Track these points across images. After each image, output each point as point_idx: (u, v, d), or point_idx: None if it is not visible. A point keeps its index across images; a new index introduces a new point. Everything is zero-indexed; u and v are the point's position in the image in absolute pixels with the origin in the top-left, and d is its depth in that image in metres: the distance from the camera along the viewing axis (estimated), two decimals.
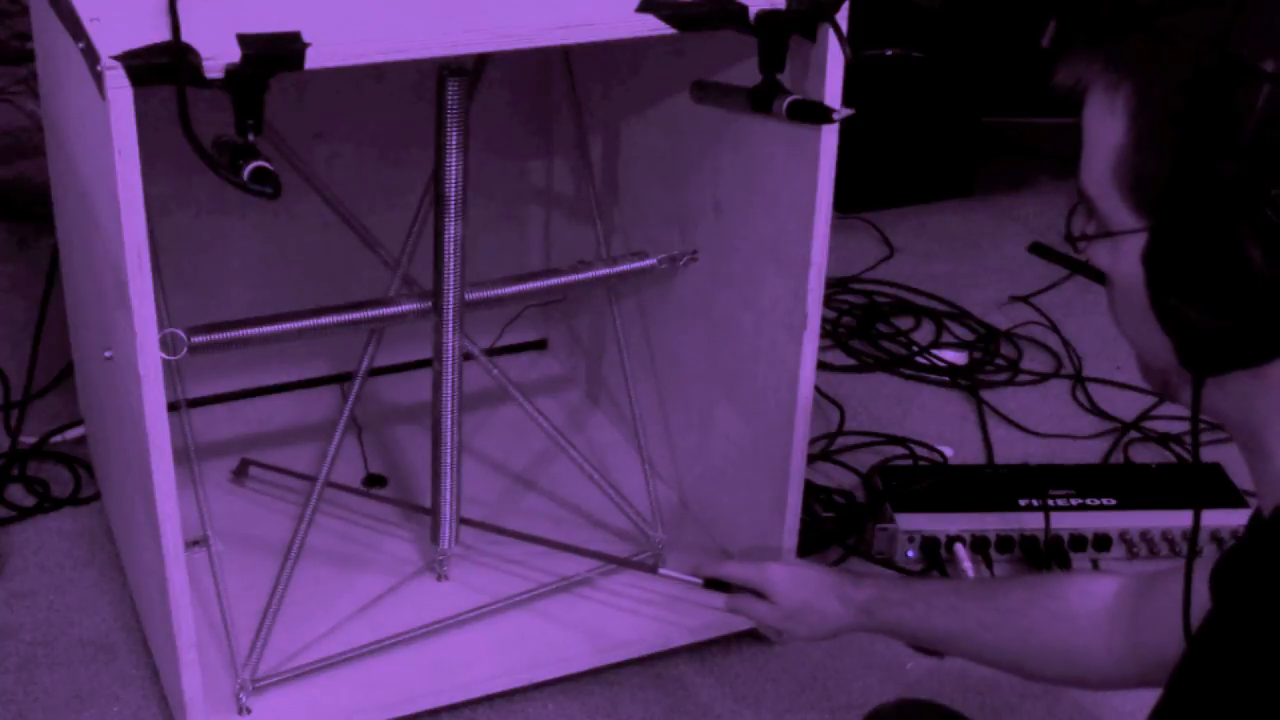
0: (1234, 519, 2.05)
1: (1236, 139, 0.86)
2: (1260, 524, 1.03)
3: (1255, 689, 0.86)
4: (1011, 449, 2.34)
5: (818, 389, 2.04)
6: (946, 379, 2.50)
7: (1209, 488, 2.12)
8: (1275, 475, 0.96)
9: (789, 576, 1.62)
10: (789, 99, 1.60)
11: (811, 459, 2.18)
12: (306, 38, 1.38)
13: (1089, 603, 1.37)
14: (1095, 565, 2.06)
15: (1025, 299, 2.74)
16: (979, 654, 1.47)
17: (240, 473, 2.10)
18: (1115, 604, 1.35)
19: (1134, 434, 2.36)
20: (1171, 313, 0.93)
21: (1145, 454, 2.32)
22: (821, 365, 2.20)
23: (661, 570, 1.82)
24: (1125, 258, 0.95)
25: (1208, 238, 0.89)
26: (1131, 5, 0.93)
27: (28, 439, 2.20)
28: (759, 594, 1.65)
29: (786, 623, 1.63)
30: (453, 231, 1.74)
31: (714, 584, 1.72)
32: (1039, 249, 2.94)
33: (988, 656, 1.46)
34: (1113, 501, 2.09)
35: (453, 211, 1.73)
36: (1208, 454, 2.29)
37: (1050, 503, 2.08)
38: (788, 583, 1.62)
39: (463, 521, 1.88)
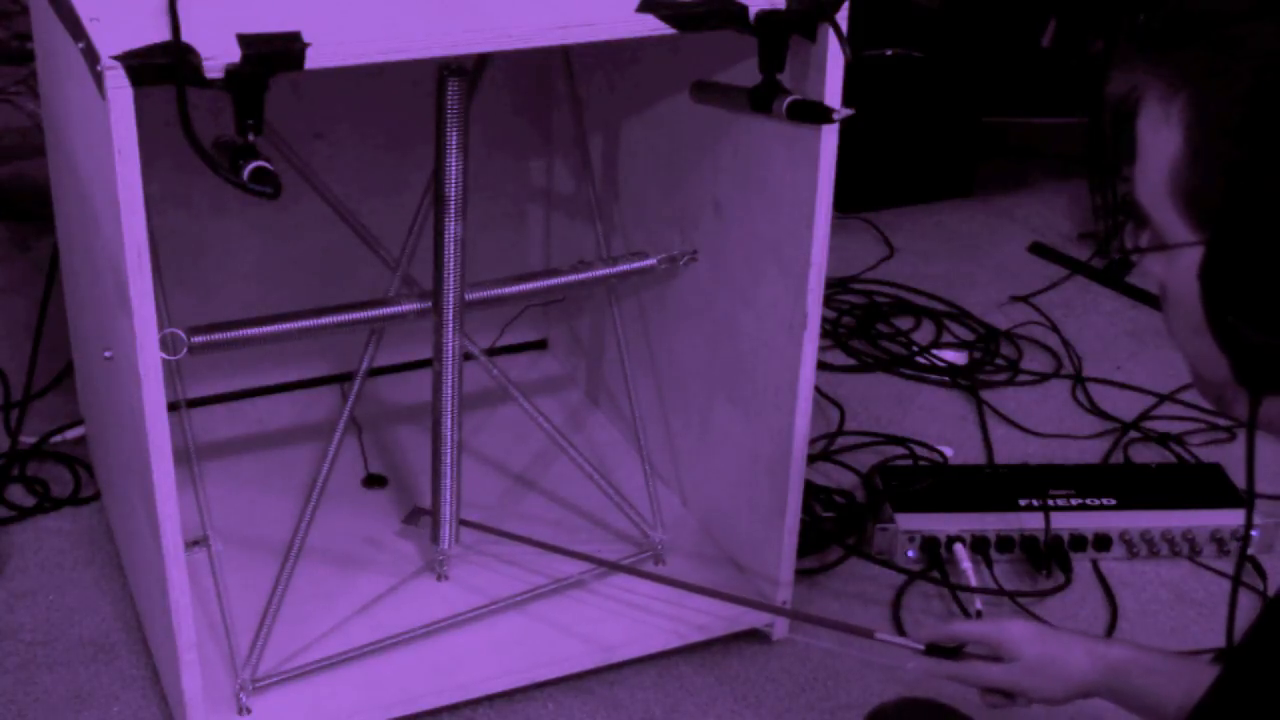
0: (1235, 519, 2.05)
1: None
2: None
3: None
4: (1011, 449, 2.34)
5: (818, 389, 2.04)
6: (946, 379, 2.50)
7: (1209, 488, 2.12)
8: None
9: (1031, 629, 1.50)
10: (789, 99, 1.60)
11: (811, 459, 2.18)
12: (306, 38, 1.38)
13: None
14: (1095, 565, 2.06)
15: (1025, 299, 2.74)
16: None
17: (411, 521, 1.99)
18: None
19: (1134, 434, 2.36)
20: (1228, 330, 0.91)
21: (1145, 454, 2.32)
22: (821, 365, 2.20)
23: (879, 635, 1.61)
24: (1181, 272, 0.93)
25: (1266, 254, 0.87)
26: (1190, 14, 0.91)
27: (28, 439, 2.19)
28: (992, 658, 1.49)
29: (1026, 680, 1.46)
30: (453, 231, 1.75)
31: (936, 650, 1.53)
32: (1039, 249, 2.94)
33: None
34: (1113, 501, 2.09)
35: (453, 211, 1.73)
36: (1207, 454, 2.30)
37: (1050, 503, 2.08)
38: (1031, 637, 1.47)
39: (463, 523, 1.88)
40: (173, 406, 1.50)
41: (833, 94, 1.60)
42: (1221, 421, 2.35)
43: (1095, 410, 2.43)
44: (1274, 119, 0.84)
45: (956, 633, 1.53)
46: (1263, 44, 0.86)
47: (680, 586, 1.83)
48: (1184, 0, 0.90)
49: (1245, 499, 1.04)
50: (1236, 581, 1.01)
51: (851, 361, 2.55)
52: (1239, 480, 2.10)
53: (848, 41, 1.57)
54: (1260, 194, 0.86)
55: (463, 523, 1.88)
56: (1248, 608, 0.97)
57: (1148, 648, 1.60)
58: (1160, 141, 0.91)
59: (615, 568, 1.89)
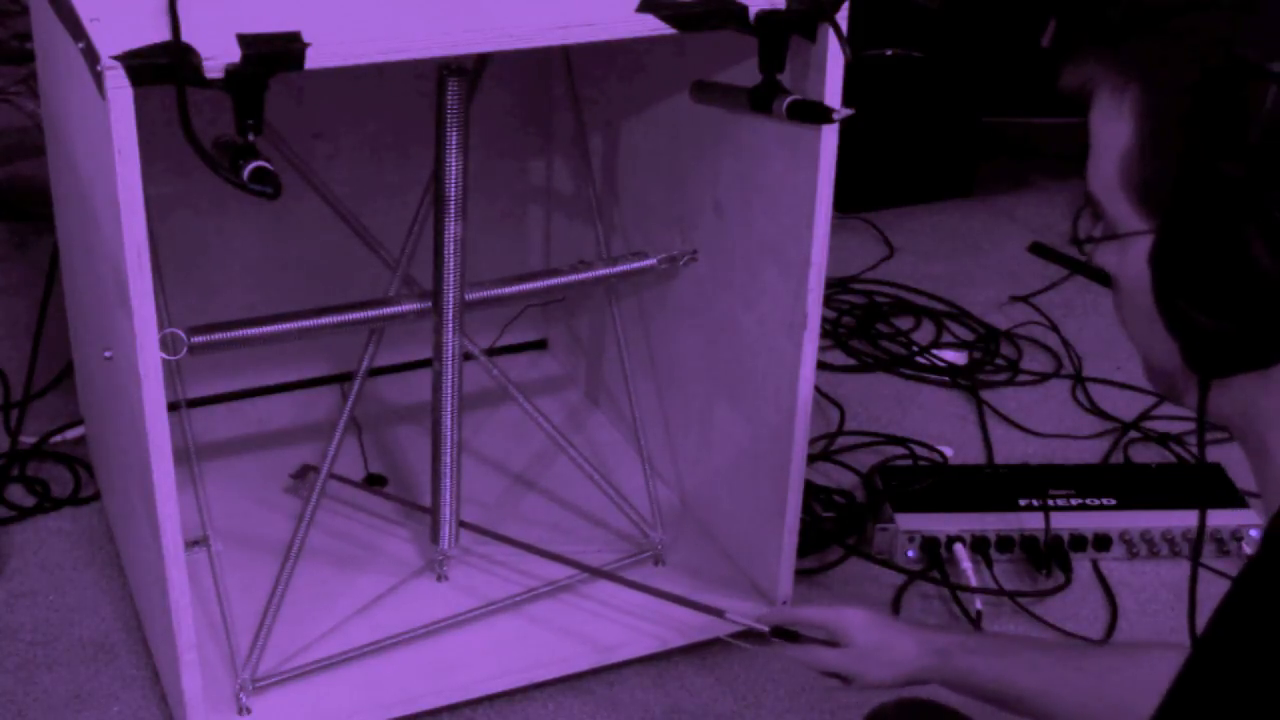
0: (1235, 519, 2.05)
1: (1243, 140, 0.86)
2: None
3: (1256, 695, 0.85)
4: (1011, 449, 2.34)
5: (818, 389, 2.04)
6: (946, 379, 2.50)
7: (1210, 488, 2.12)
8: (1278, 478, 0.95)
9: (866, 618, 1.56)
10: (789, 99, 1.60)
11: (811, 459, 2.18)
12: (306, 38, 1.38)
13: (1169, 669, 1.33)
14: (1095, 565, 2.06)
15: (1025, 299, 2.74)
16: (1051, 713, 1.41)
17: (300, 477, 2.08)
18: None
19: (1134, 434, 2.36)
20: (1178, 315, 0.93)
21: (1145, 454, 2.32)
22: (821, 365, 2.20)
23: (729, 615, 1.74)
24: (1132, 260, 0.95)
25: (1214, 240, 0.88)
26: (1139, 8, 0.95)
27: (28, 439, 2.19)
28: (830, 642, 1.57)
29: (859, 664, 1.54)
30: (453, 231, 1.74)
31: (781, 633, 1.63)
32: (1039, 249, 2.94)
33: (1061, 717, 1.41)
34: (1113, 501, 2.09)
35: (453, 211, 1.73)
36: (1207, 454, 2.30)
37: (1050, 503, 2.08)
38: (865, 623, 1.55)
39: (462, 524, 1.88)
40: (173, 406, 1.50)
41: (833, 94, 1.60)
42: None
43: (1095, 410, 2.43)
44: (1220, 106, 0.86)
45: (797, 616, 1.61)
46: (1208, 34, 0.88)
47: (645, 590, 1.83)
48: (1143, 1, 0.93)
49: (1243, 499, 1.05)
50: (1195, 568, 1.04)
51: (851, 361, 2.55)
52: (1239, 480, 2.10)
53: (848, 41, 1.57)
54: (1207, 180, 0.87)
55: (462, 524, 1.88)
56: None
57: (978, 632, 1.63)
58: (1112, 133, 0.94)
59: (596, 573, 1.87)
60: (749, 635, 1.68)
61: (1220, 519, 2.06)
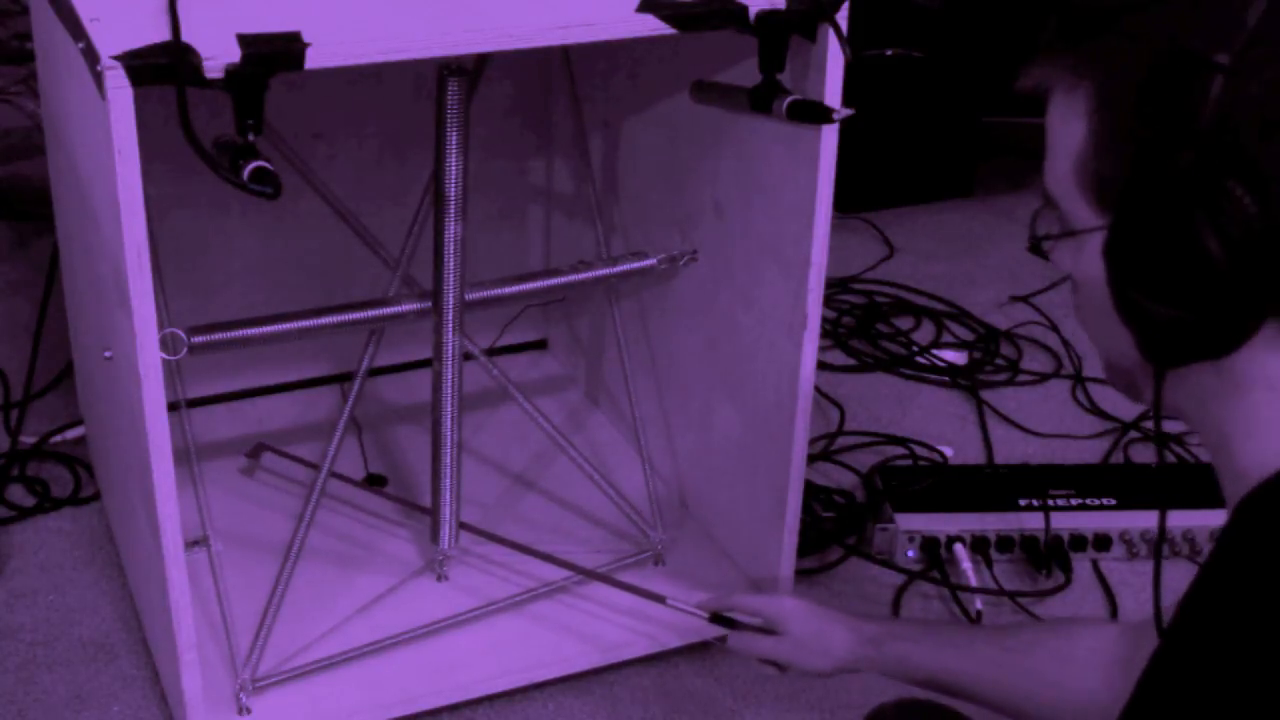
0: (1222, 519, 2.05)
1: (1190, 130, 0.87)
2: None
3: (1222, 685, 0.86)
4: (1011, 449, 2.34)
5: (818, 389, 2.04)
6: (946, 379, 2.50)
7: (1209, 488, 2.12)
8: (1238, 471, 0.96)
9: (802, 608, 1.60)
10: (789, 99, 1.60)
11: (811, 459, 2.18)
12: (306, 38, 1.38)
13: (1094, 644, 1.37)
14: (1095, 565, 2.06)
15: (1025, 299, 2.74)
16: (983, 694, 1.45)
17: (253, 455, 2.11)
18: (1118, 646, 1.35)
19: (1134, 434, 2.36)
20: (1132, 306, 0.94)
21: (1145, 454, 2.32)
22: (821, 365, 2.20)
23: (670, 601, 1.77)
24: (1089, 257, 0.96)
25: (1165, 229, 0.89)
26: (1091, 10, 0.95)
27: (28, 439, 2.19)
28: (767, 630, 1.61)
29: (794, 654, 1.59)
30: (453, 231, 1.74)
31: (720, 619, 1.67)
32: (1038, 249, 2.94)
33: (992, 697, 1.44)
34: (1113, 501, 2.09)
35: (453, 211, 1.73)
36: (1207, 454, 2.30)
37: (1050, 503, 2.08)
38: (801, 613, 1.59)
39: (462, 526, 1.88)
40: (173, 406, 1.50)
41: (833, 94, 1.60)
42: None
43: (1095, 410, 2.43)
44: (1168, 101, 0.88)
45: (736, 604, 1.65)
46: (1155, 28, 0.90)
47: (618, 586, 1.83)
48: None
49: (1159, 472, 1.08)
50: (1158, 571, 1.06)
51: (851, 361, 2.55)
52: None
53: (848, 41, 1.57)
54: (1157, 172, 0.89)
55: (462, 525, 1.88)
56: None
57: (910, 619, 1.67)
58: (1067, 131, 0.95)
59: (623, 587, 1.87)
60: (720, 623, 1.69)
61: (1220, 519, 2.05)
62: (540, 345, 2.46)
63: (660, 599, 1.79)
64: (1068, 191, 0.97)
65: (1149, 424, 2.37)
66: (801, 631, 1.57)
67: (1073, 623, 1.46)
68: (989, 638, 1.49)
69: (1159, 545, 1.08)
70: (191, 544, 1.63)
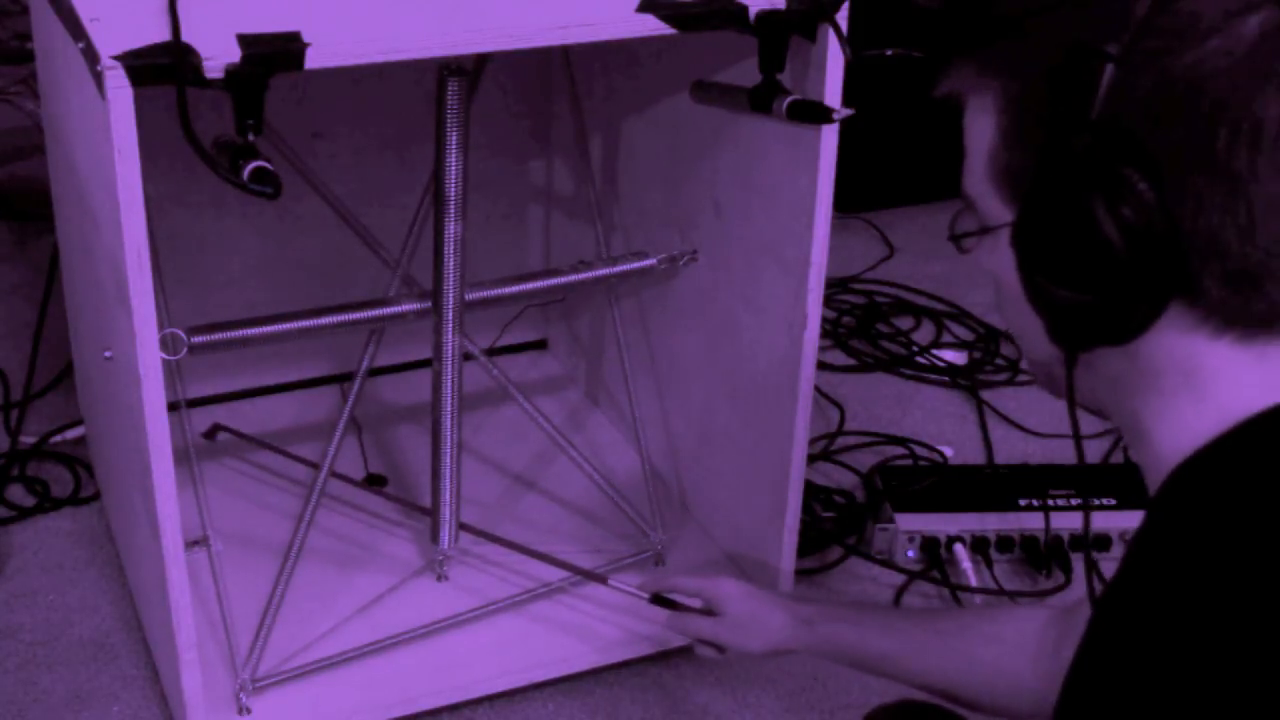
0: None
1: (1085, 118, 0.91)
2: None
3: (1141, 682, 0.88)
4: (1011, 449, 2.34)
5: (818, 389, 2.04)
6: (946, 379, 2.50)
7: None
8: (1156, 457, 0.98)
9: (739, 590, 1.64)
10: (789, 99, 1.60)
11: (811, 459, 2.18)
12: (306, 38, 1.38)
13: (1023, 627, 1.40)
14: (1095, 566, 2.06)
15: None
16: (913, 676, 1.48)
17: (209, 436, 2.12)
18: (1045, 629, 1.38)
19: None
20: (1039, 291, 0.97)
21: None
22: (821, 365, 2.20)
23: (611, 581, 1.80)
24: (1003, 250, 0.99)
25: (1065, 215, 0.92)
26: (997, 17, 1.00)
27: (28, 439, 2.19)
28: (706, 612, 1.65)
29: (731, 635, 1.62)
30: (453, 231, 1.74)
31: (660, 600, 1.71)
32: None
33: (922, 678, 1.48)
34: (1113, 501, 2.09)
35: (453, 211, 1.73)
36: None
37: (1050, 503, 2.08)
38: (738, 595, 1.63)
39: (461, 526, 1.88)
40: (173, 406, 1.50)
41: (833, 94, 1.60)
42: None
43: (1095, 410, 2.43)
44: (1065, 93, 0.91)
45: (676, 585, 1.70)
46: (1052, 33, 0.94)
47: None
48: (994, 5, 1.00)
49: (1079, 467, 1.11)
50: (1089, 566, 1.09)
51: (851, 361, 2.55)
52: None
53: (848, 41, 1.57)
54: (1056, 161, 0.92)
55: (461, 525, 1.88)
56: None
57: (845, 602, 1.71)
58: (979, 132, 0.99)
59: (568, 569, 1.88)
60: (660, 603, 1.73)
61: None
62: (540, 345, 2.46)
63: (602, 579, 1.81)
64: (983, 191, 1.00)
65: None
66: (738, 612, 1.61)
67: (1002, 607, 1.49)
68: (921, 621, 1.53)
69: (1086, 545, 1.09)
70: (191, 544, 1.63)
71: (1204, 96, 0.88)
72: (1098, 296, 0.93)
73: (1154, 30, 0.90)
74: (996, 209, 0.99)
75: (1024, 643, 1.38)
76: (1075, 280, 0.94)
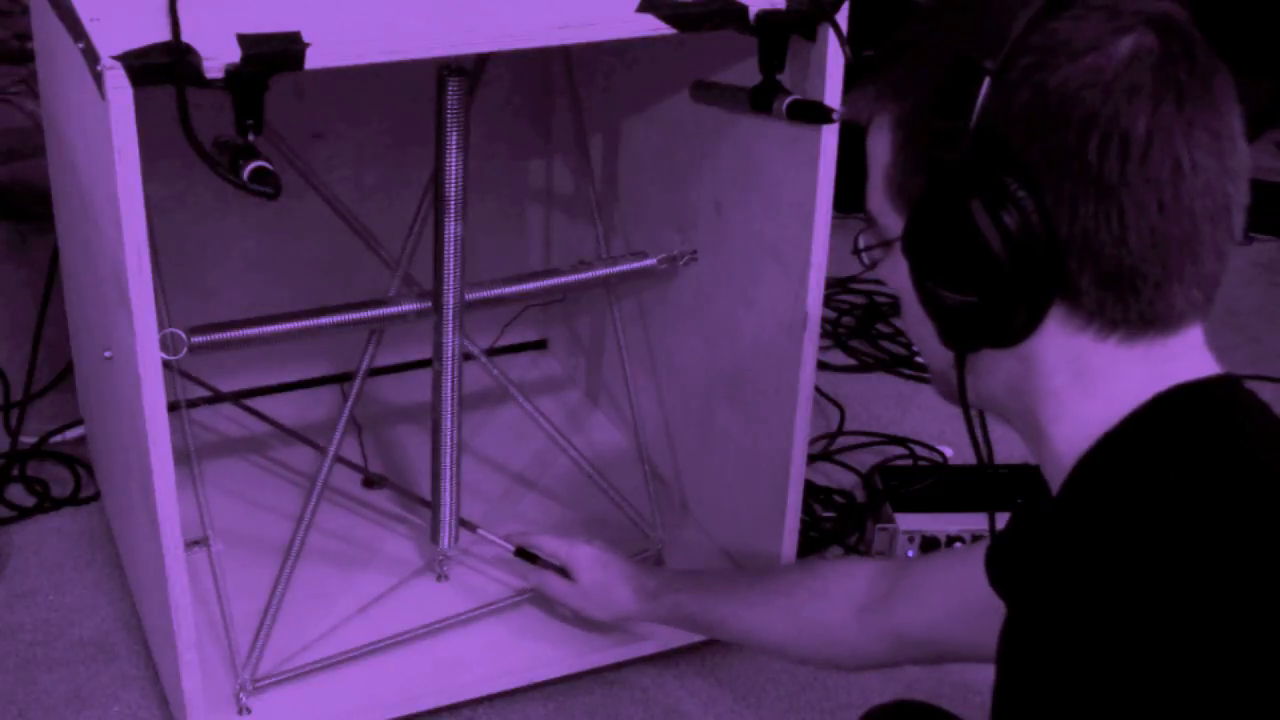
0: None
1: (965, 130, 0.95)
2: (1031, 511, 1.19)
3: (1067, 685, 0.91)
4: (1012, 449, 2.33)
5: (818, 389, 2.04)
6: None
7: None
8: (1053, 455, 1.02)
9: (593, 558, 1.74)
10: (789, 99, 1.61)
11: (811, 459, 2.18)
12: (306, 38, 1.38)
13: (848, 583, 1.48)
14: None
15: None
16: (749, 635, 1.58)
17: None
18: (871, 584, 1.46)
19: None
20: (927, 294, 1.01)
21: None
22: (821, 365, 2.20)
23: (480, 531, 1.86)
24: (899, 263, 1.03)
25: (948, 221, 0.96)
26: (891, 43, 1.05)
27: (28, 439, 2.19)
28: (564, 573, 1.76)
29: (581, 601, 1.75)
30: (453, 231, 1.74)
31: (524, 554, 1.81)
32: None
33: (756, 637, 1.57)
34: None
35: (453, 211, 1.73)
36: None
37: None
38: (590, 563, 1.74)
39: (461, 523, 1.88)
40: (173, 406, 1.50)
41: (833, 94, 1.60)
42: None
43: None
44: (949, 107, 0.96)
45: (538, 543, 1.81)
46: (937, 54, 0.99)
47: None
48: (891, 33, 1.06)
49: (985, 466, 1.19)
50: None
51: (851, 361, 2.55)
52: None
53: (848, 41, 1.57)
54: (935, 168, 0.96)
55: (462, 523, 1.88)
56: None
57: (689, 570, 1.83)
58: (878, 152, 1.04)
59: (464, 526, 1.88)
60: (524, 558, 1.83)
61: None
62: (540, 345, 2.46)
63: (472, 527, 1.86)
64: (882, 207, 1.05)
65: None
66: (588, 581, 1.74)
67: (829, 562, 1.54)
68: (752, 580, 1.63)
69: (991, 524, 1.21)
70: (191, 544, 1.63)
71: (1077, 109, 0.93)
72: (981, 298, 0.97)
73: (1030, 48, 0.94)
74: (894, 224, 1.03)
75: (850, 596, 1.46)
76: (960, 284, 0.98)
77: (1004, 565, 1.21)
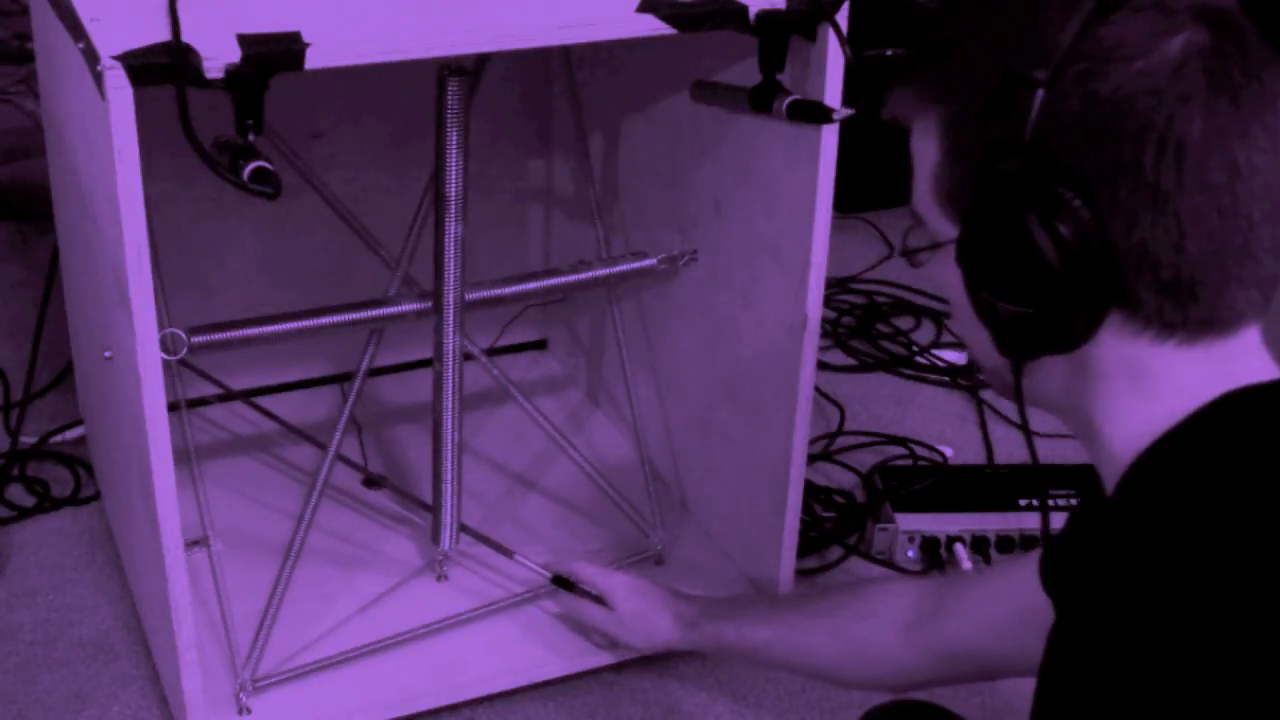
0: None
1: (1019, 141, 0.94)
2: (1085, 513, 1.17)
3: (1116, 688, 0.89)
4: (1011, 449, 2.34)
5: (818, 389, 2.04)
6: (946, 379, 2.50)
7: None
8: (1109, 455, 1.01)
9: (630, 586, 1.73)
10: (789, 99, 1.60)
11: (811, 459, 2.18)
12: (306, 38, 1.38)
13: (893, 601, 1.46)
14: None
15: None
16: (792, 660, 1.55)
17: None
18: (917, 602, 1.44)
19: None
20: (983, 305, 1.00)
21: None
22: (821, 365, 2.20)
23: (517, 557, 1.85)
24: (951, 266, 1.02)
25: (1003, 231, 0.96)
26: (934, 42, 1.05)
27: (28, 439, 2.19)
28: (600, 601, 1.74)
29: (619, 629, 1.73)
30: (453, 231, 1.74)
31: (561, 582, 1.80)
32: None
33: (801, 661, 1.54)
34: None
35: (453, 211, 1.73)
36: None
37: (1050, 503, 2.07)
38: (628, 591, 1.72)
39: (462, 529, 1.88)
40: (173, 406, 1.50)
41: (833, 94, 1.60)
42: None
43: None
44: (1000, 116, 0.95)
45: (575, 571, 1.80)
46: (982, 58, 0.99)
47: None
48: (932, 33, 1.05)
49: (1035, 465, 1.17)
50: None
51: (851, 361, 2.55)
52: None
53: (848, 41, 1.57)
54: (993, 181, 0.96)
55: (462, 527, 1.88)
56: None
57: (726, 597, 1.80)
58: (924, 153, 1.03)
59: (496, 548, 1.90)
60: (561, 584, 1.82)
61: None
62: (540, 345, 2.46)
63: (509, 553, 1.86)
64: (930, 209, 1.04)
65: None
66: (626, 609, 1.72)
67: (872, 583, 1.52)
68: (794, 605, 1.60)
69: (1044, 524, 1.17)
70: (191, 544, 1.63)
71: (1130, 117, 0.92)
72: (1038, 309, 0.97)
73: (1080, 55, 0.94)
74: (943, 226, 1.03)
75: (895, 616, 1.44)
76: (1016, 295, 0.97)
77: (1056, 567, 1.19)
